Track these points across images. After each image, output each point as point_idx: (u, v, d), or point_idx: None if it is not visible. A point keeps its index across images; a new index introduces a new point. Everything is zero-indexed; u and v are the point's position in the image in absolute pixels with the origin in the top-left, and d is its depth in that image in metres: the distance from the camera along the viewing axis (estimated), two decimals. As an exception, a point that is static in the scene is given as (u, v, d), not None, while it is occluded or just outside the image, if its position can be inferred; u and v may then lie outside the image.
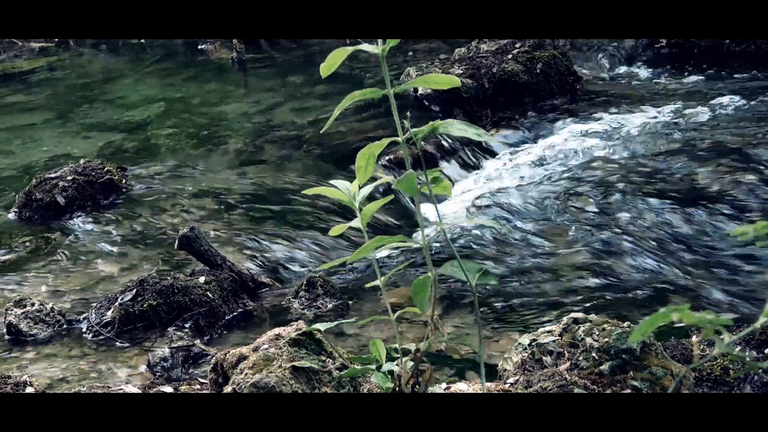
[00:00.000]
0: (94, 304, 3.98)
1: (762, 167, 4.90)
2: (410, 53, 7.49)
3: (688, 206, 4.60)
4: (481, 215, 4.75)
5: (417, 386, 2.29)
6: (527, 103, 6.12)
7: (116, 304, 3.88)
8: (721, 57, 6.87)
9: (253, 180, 5.27)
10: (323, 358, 2.52)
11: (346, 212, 4.52)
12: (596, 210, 4.66)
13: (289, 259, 4.44)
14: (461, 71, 6.05)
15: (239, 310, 3.99)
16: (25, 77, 8.35)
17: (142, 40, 8.98)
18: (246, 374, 2.47)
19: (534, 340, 2.86)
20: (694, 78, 6.55)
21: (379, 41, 2.10)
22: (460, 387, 2.85)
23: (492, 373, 2.94)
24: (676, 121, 5.70)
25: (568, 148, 5.49)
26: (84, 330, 3.87)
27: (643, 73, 6.79)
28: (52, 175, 5.10)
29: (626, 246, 4.27)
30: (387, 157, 5.29)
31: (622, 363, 2.65)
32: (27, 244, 4.67)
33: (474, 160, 5.51)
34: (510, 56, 6.24)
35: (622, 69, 6.88)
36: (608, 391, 2.59)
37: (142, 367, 3.54)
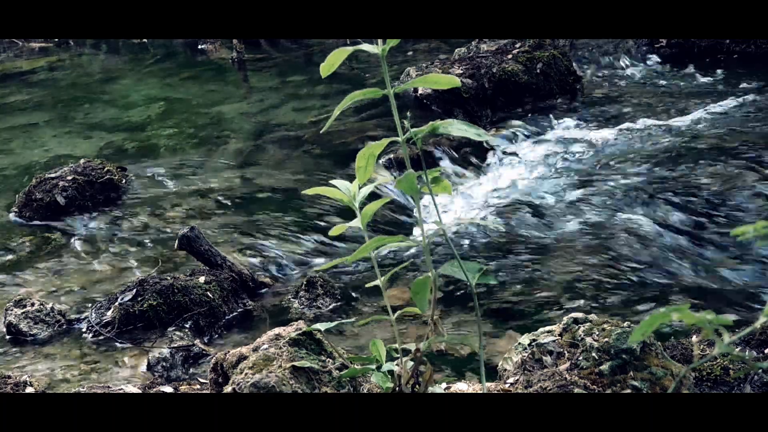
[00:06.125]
0: (94, 304, 3.98)
1: (762, 167, 4.90)
2: (410, 53, 7.49)
3: (687, 206, 4.60)
4: (480, 215, 4.75)
5: (417, 386, 2.29)
6: (527, 103, 6.12)
7: (116, 304, 3.88)
8: (721, 57, 6.87)
9: (253, 180, 5.27)
10: (323, 358, 2.52)
11: (346, 212, 4.52)
12: (595, 210, 4.67)
13: (290, 259, 4.44)
14: (461, 71, 6.05)
15: (239, 310, 3.99)
16: (25, 77, 8.35)
17: (142, 40, 8.98)
18: (246, 374, 2.47)
19: (534, 340, 2.86)
20: (694, 78, 6.55)
21: (379, 41, 2.10)
22: (460, 387, 2.85)
23: (492, 373, 2.94)
24: (675, 121, 5.70)
25: (568, 148, 5.49)
26: (84, 330, 3.87)
27: (643, 73, 6.79)
28: (52, 175, 5.10)
29: (626, 245, 4.27)
30: (387, 157, 5.29)
31: (622, 363, 2.65)
32: (27, 244, 4.67)
33: (474, 160, 5.51)
34: (510, 56, 6.24)
35: (622, 69, 6.88)
36: (608, 391, 2.59)
37: (142, 367, 3.54)
